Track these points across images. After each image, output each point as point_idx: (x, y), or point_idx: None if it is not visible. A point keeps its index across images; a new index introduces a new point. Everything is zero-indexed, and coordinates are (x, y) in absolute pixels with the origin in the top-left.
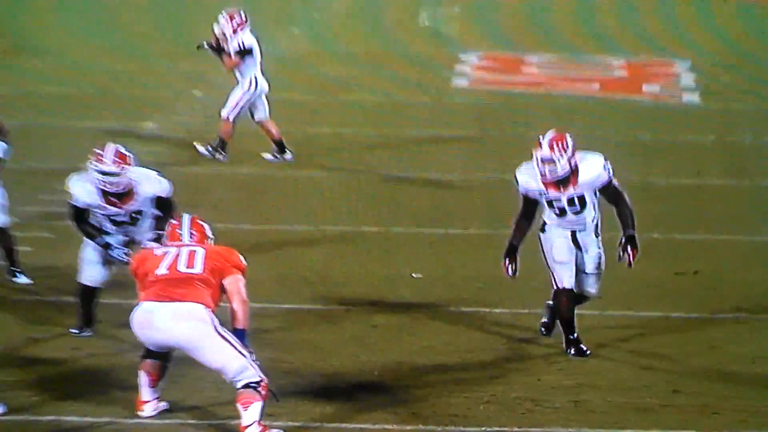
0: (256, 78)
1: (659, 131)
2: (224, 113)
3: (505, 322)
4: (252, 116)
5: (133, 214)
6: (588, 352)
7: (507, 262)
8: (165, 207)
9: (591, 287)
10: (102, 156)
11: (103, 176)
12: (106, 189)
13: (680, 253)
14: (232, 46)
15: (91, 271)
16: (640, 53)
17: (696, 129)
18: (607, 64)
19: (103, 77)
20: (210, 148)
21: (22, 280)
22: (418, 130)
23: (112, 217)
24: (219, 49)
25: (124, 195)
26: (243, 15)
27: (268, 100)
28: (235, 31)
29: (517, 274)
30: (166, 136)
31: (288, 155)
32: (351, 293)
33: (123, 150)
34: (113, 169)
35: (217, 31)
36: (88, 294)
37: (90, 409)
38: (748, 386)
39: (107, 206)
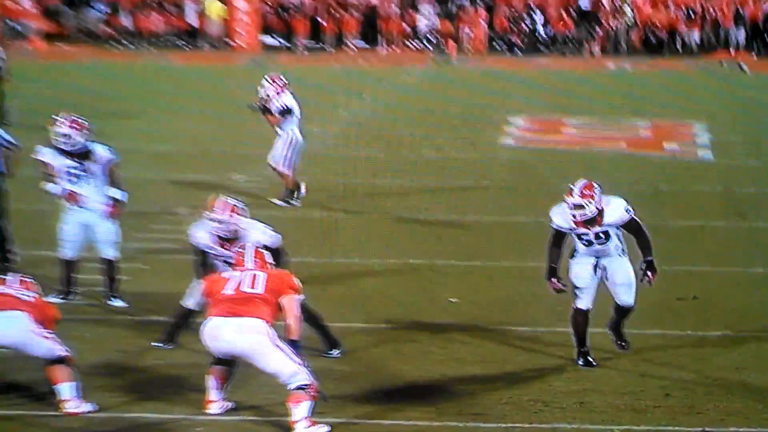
0: (294, 132)
1: (675, 182)
2: (280, 167)
3: (525, 338)
4: (273, 160)
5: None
6: (595, 363)
7: (554, 281)
8: (275, 255)
9: (626, 296)
10: (216, 206)
11: (216, 223)
12: (219, 234)
13: (683, 282)
14: (275, 106)
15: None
16: (664, 117)
17: (706, 180)
18: (635, 125)
19: (195, 135)
20: (284, 199)
21: (118, 303)
22: (467, 181)
23: (225, 259)
24: (264, 109)
25: (233, 240)
26: (283, 79)
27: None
28: (278, 93)
29: (565, 288)
30: (253, 186)
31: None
32: (395, 315)
33: (233, 202)
34: (224, 217)
35: (261, 93)
36: (186, 315)
37: (166, 408)
38: (730, 391)
39: (219, 249)
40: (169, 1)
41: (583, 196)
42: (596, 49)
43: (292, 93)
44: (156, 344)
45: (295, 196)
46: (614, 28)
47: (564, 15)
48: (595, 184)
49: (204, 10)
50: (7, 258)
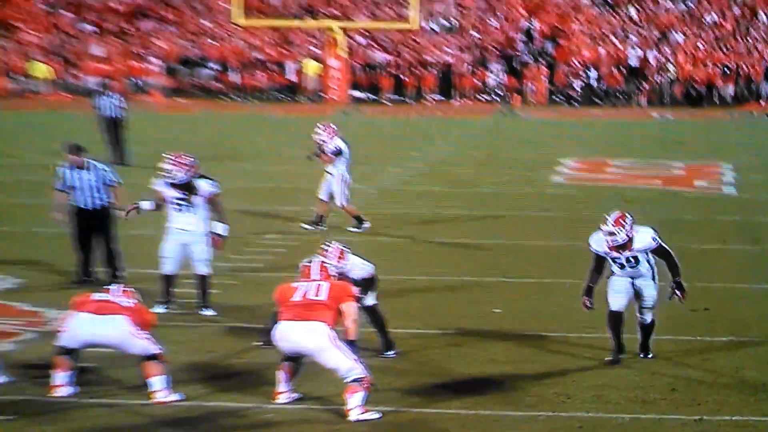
0: (344, 171)
1: (699, 213)
2: (339, 203)
3: (555, 342)
4: (321, 194)
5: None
6: (619, 361)
7: (586, 299)
8: (370, 282)
9: (646, 314)
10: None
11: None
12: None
13: (697, 296)
14: (329, 148)
15: None
16: (697, 158)
17: (727, 211)
18: (670, 166)
19: (288, 174)
20: (356, 227)
21: (209, 313)
22: (517, 212)
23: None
24: (319, 151)
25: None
26: (334, 126)
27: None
28: (330, 137)
29: (593, 307)
30: (334, 218)
31: (323, 228)
32: (445, 322)
33: (341, 247)
34: (335, 262)
35: (316, 137)
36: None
37: (242, 398)
38: (729, 387)
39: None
40: (272, 61)
41: (615, 224)
42: (643, 100)
43: (341, 137)
44: (257, 344)
45: (363, 223)
46: (659, 82)
47: (615, 71)
48: (627, 215)
49: (302, 68)
50: (116, 275)
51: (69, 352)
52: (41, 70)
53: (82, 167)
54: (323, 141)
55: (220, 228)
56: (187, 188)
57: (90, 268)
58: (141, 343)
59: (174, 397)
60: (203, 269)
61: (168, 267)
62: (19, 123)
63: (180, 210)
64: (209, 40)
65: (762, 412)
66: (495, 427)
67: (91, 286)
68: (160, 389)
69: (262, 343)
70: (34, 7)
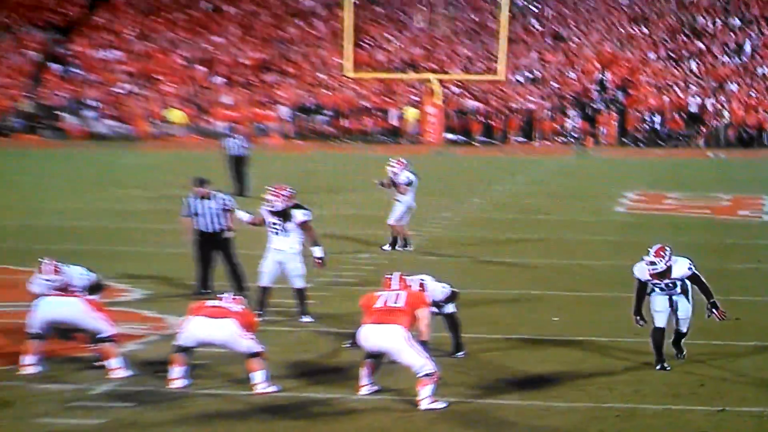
0: (412, 200)
1: (741, 237)
2: (394, 222)
3: (602, 347)
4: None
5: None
6: (668, 368)
7: (637, 318)
8: (450, 297)
9: (683, 326)
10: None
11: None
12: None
13: (731, 307)
14: (401, 180)
15: None
16: (743, 192)
17: (765, 236)
18: (719, 198)
19: (383, 203)
20: (405, 246)
21: (307, 319)
22: (581, 236)
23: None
24: (392, 183)
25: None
26: (404, 160)
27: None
28: (401, 170)
29: (645, 324)
30: (418, 239)
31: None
32: (511, 329)
33: (664, 248)
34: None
35: (389, 170)
36: None
37: (330, 390)
38: (751, 384)
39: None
40: (377, 108)
41: (656, 255)
42: (701, 142)
43: (411, 170)
44: (345, 345)
45: (407, 243)
46: (715, 126)
47: (677, 117)
48: (666, 248)
49: (403, 114)
50: (241, 287)
51: (185, 350)
52: (177, 116)
53: (206, 197)
54: (395, 173)
55: (318, 251)
56: (283, 215)
57: (208, 282)
58: (246, 342)
59: (272, 388)
60: (299, 283)
61: (264, 280)
62: (157, 161)
63: (276, 233)
64: (324, 90)
65: None
66: (545, 415)
67: (208, 297)
68: (261, 382)
69: (349, 345)
70: (174, 62)
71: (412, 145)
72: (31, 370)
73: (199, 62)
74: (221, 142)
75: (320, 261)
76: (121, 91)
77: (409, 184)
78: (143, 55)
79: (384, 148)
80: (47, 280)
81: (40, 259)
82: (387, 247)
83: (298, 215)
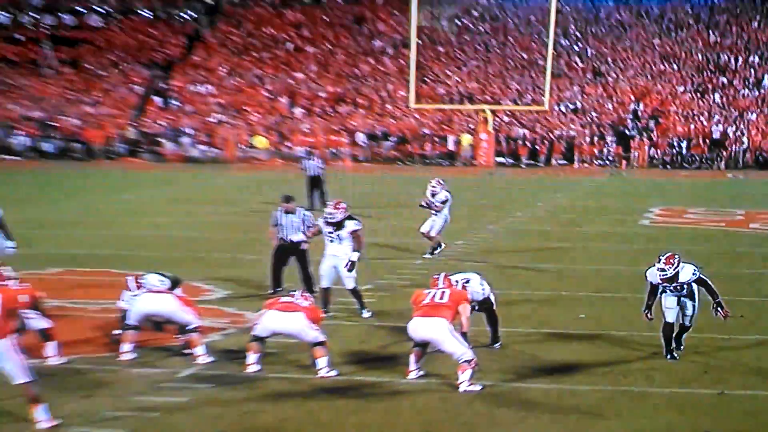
0: (448, 214)
1: (750, 246)
2: (432, 233)
3: (622, 339)
4: (425, 229)
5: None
6: (677, 357)
7: (646, 313)
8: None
9: (687, 323)
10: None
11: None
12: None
13: (738, 306)
14: (439, 198)
15: None
16: (756, 208)
17: None
18: (734, 212)
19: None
20: (434, 252)
21: (367, 314)
22: (610, 245)
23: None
24: (429, 204)
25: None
26: (442, 181)
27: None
28: (440, 190)
29: (652, 318)
30: (466, 248)
31: (436, 254)
32: (542, 325)
33: (673, 255)
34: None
35: (429, 189)
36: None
37: (381, 374)
38: (750, 372)
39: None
40: (437, 134)
41: (666, 262)
42: (722, 165)
43: (448, 190)
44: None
45: (438, 251)
46: (735, 150)
47: (701, 143)
48: (675, 255)
49: (459, 140)
50: (311, 290)
51: (260, 339)
52: (261, 142)
53: (291, 212)
54: (434, 192)
55: (354, 255)
56: (338, 225)
57: (281, 282)
58: (313, 333)
59: (333, 373)
60: (350, 284)
61: (324, 282)
62: (242, 181)
63: (332, 241)
64: (390, 119)
65: None
66: (567, 397)
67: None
68: (324, 367)
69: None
70: (260, 95)
71: (466, 168)
72: (127, 356)
73: (282, 95)
74: (301, 163)
75: (351, 264)
76: (213, 120)
77: (444, 202)
78: (233, 89)
79: (442, 170)
80: (134, 296)
81: (126, 277)
82: (428, 254)
83: (350, 225)
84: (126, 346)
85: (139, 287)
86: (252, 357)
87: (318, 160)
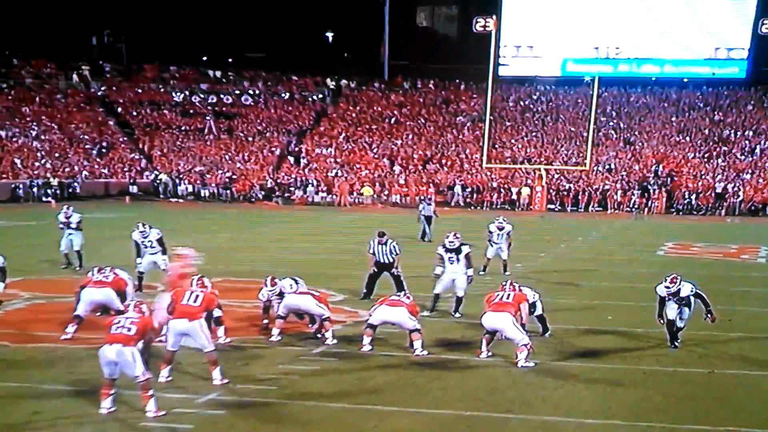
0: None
1: (741, 271)
2: (503, 255)
3: (640, 334)
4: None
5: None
6: (678, 346)
7: (659, 320)
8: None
9: (681, 324)
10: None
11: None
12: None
13: (728, 313)
14: (505, 230)
15: None
16: (747, 243)
17: (758, 272)
18: (729, 246)
19: None
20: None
21: (457, 315)
22: (635, 270)
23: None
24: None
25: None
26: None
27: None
28: (506, 224)
29: (662, 323)
30: (525, 268)
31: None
32: (578, 323)
33: (676, 276)
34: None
35: (496, 224)
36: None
37: (458, 354)
38: (736, 359)
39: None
40: (502, 186)
41: (671, 282)
42: (722, 213)
43: (509, 223)
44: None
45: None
46: (732, 202)
47: (707, 195)
48: (678, 276)
49: (520, 191)
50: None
51: (373, 327)
52: (368, 191)
53: (383, 242)
54: (501, 227)
55: (470, 272)
56: (456, 250)
57: (372, 291)
58: (411, 322)
59: (424, 352)
60: (461, 293)
61: (437, 289)
62: (353, 220)
63: (452, 262)
64: (467, 175)
65: (757, 371)
66: (596, 372)
67: (369, 300)
68: (418, 348)
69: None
70: (368, 156)
71: (524, 212)
72: (274, 338)
73: (385, 156)
74: (419, 206)
75: (470, 278)
76: (331, 174)
77: (509, 233)
78: (348, 151)
79: (504, 214)
80: (270, 291)
81: (265, 278)
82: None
83: (465, 249)
84: (274, 330)
85: (273, 285)
86: (366, 340)
87: (431, 203)
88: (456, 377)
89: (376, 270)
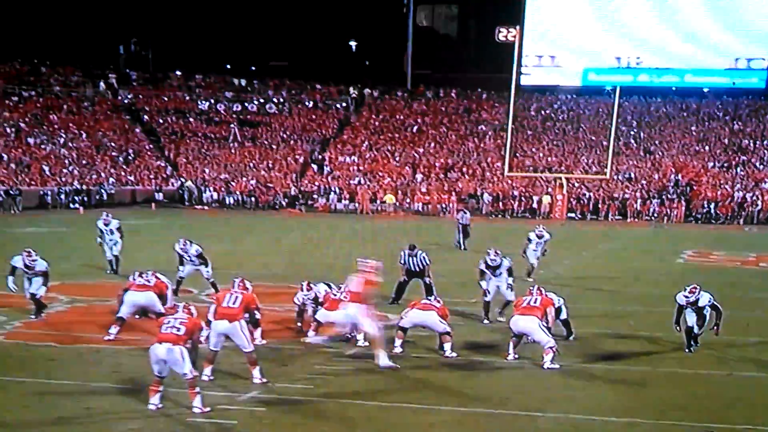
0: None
1: (758, 279)
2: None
3: (659, 338)
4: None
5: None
6: (694, 349)
7: (676, 326)
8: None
9: (698, 331)
10: (686, 289)
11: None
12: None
13: (747, 319)
14: (544, 239)
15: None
16: (764, 252)
17: None
18: (748, 254)
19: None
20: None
21: (502, 318)
22: (656, 276)
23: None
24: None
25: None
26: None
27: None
28: (545, 233)
29: (680, 330)
30: (561, 276)
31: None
32: (603, 327)
33: (696, 286)
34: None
35: (536, 233)
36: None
37: (487, 356)
38: (752, 361)
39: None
40: (523, 195)
41: (690, 292)
42: (741, 221)
43: (547, 231)
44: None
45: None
46: (751, 211)
47: (726, 204)
48: (697, 286)
49: (540, 199)
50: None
51: (404, 329)
52: (390, 198)
53: (413, 254)
54: (541, 235)
55: (510, 280)
56: (497, 267)
57: (401, 297)
58: (442, 325)
59: (453, 354)
60: (510, 297)
61: (488, 297)
62: (375, 227)
63: (493, 276)
64: (488, 183)
65: None
66: (619, 374)
67: (397, 305)
68: (448, 350)
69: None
70: (390, 165)
71: (544, 220)
72: (316, 340)
73: (407, 164)
74: (456, 215)
75: (510, 286)
76: (354, 182)
77: (546, 241)
78: (371, 159)
79: (526, 222)
80: (305, 296)
81: (300, 282)
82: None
83: (506, 263)
84: (311, 332)
85: (309, 289)
86: (397, 342)
87: (468, 212)
88: (485, 378)
89: (406, 278)
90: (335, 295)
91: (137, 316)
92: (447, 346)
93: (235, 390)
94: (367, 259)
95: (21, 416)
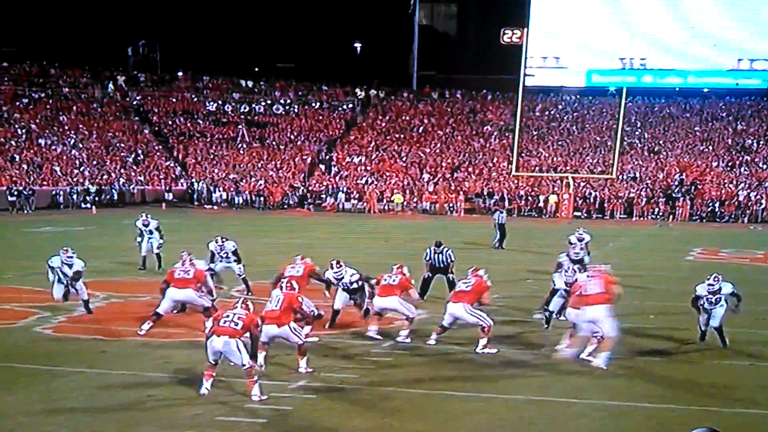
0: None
1: (766, 275)
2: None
3: (676, 333)
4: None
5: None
6: (707, 339)
7: (697, 312)
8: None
9: (718, 325)
10: (708, 278)
11: (708, 286)
12: (708, 290)
13: (761, 313)
14: (583, 242)
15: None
16: None
17: None
18: (754, 252)
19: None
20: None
21: (537, 316)
22: (666, 273)
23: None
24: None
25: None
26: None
27: None
28: (585, 235)
29: (700, 324)
30: None
31: None
32: (628, 323)
33: (717, 276)
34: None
35: (576, 236)
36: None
37: (533, 349)
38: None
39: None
40: (529, 194)
41: (713, 280)
42: (745, 220)
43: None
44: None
45: None
46: (755, 210)
47: (730, 203)
48: (719, 276)
49: (547, 199)
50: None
51: (444, 327)
52: (398, 198)
53: (439, 251)
54: (581, 238)
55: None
56: (580, 261)
57: (426, 292)
58: (474, 319)
59: (492, 351)
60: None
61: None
62: (383, 226)
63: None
64: (494, 183)
65: None
66: (639, 363)
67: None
68: (485, 345)
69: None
70: (397, 165)
71: (550, 219)
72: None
73: (414, 164)
74: (492, 215)
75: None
76: (362, 182)
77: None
78: (378, 159)
79: (531, 221)
80: (334, 275)
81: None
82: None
83: (585, 259)
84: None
85: (339, 267)
86: (434, 337)
87: (503, 213)
88: (520, 369)
89: (430, 275)
90: (386, 280)
91: (175, 311)
92: (483, 340)
93: (283, 379)
94: (597, 265)
95: (88, 404)
